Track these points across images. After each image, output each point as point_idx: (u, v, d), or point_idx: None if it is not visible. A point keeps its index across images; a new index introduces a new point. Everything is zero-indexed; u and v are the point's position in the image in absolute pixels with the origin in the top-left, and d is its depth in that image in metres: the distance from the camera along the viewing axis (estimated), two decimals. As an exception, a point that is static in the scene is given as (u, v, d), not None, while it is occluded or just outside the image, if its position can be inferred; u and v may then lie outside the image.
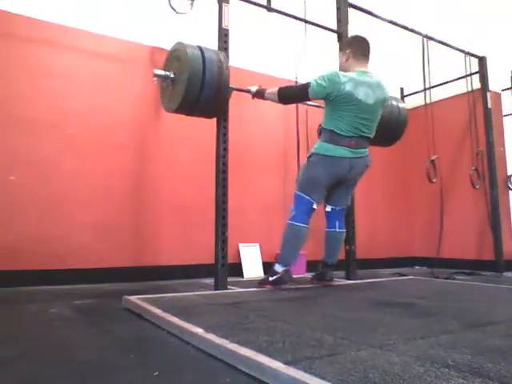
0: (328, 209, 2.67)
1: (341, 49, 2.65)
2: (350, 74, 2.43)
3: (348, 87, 2.36)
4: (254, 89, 2.69)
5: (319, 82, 2.39)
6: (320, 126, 2.60)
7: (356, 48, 2.52)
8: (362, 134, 2.45)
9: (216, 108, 2.52)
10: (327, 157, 2.45)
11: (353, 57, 2.52)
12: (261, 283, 2.56)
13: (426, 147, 3.84)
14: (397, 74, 4.57)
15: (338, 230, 2.65)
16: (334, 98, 2.38)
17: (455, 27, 4.20)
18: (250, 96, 2.74)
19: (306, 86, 2.44)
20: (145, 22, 3.33)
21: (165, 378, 1.08)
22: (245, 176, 3.56)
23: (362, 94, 2.39)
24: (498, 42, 4.13)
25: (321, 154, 2.47)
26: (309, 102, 3.14)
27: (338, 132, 2.42)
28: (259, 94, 2.67)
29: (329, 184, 2.52)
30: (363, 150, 2.50)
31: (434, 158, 3.73)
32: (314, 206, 2.49)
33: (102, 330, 1.63)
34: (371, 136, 2.53)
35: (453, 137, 4.38)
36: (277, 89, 2.56)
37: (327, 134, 2.47)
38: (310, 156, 2.54)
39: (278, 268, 2.46)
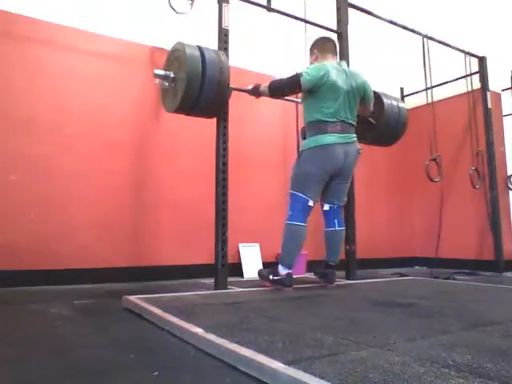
0: (326, 207, 2.64)
1: (309, 51, 2.75)
2: (330, 63, 2.52)
3: (333, 75, 2.44)
4: (250, 87, 2.70)
5: (311, 70, 2.45)
6: (302, 128, 2.64)
7: (321, 47, 2.66)
8: (344, 119, 2.48)
9: (216, 108, 2.52)
10: (318, 148, 2.44)
11: (321, 56, 2.64)
12: (262, 277, 2.57)
13: (426, 147, 3.84)
14: (397, 74, 4.57)
15: (337, 228, 2.63)
16: (321, 86, 2.42)
17: (455, 27, 4.20)
18: (250, 96, 2.74)
19: (298, 75, 2.46)
20: (145, 22, 3.33)
21: (165, 378, 1.08)
22: (245, 176, 3.56)
23: (340, 80, 2.47)
24: (498, 41, 4.13)
25: (311, 146, 2.47)
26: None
27: (323, 119, 2.45)
28: (255, 91, 2.67)
29: (324, 178, 2.48)
30: (350, 135, 2.52)
31: (435, 156, 3.72)
32: (310, 204, 2.46)
33: (102, 329, 1.62)
34: (353, 122, 2.56)
35: (453, 137, 4.38)
36: (268, 83, 2.58)
37: (312, 126, 2.50)
38: (300, 153, 2.54)
39: (282, 270, 2.46)
